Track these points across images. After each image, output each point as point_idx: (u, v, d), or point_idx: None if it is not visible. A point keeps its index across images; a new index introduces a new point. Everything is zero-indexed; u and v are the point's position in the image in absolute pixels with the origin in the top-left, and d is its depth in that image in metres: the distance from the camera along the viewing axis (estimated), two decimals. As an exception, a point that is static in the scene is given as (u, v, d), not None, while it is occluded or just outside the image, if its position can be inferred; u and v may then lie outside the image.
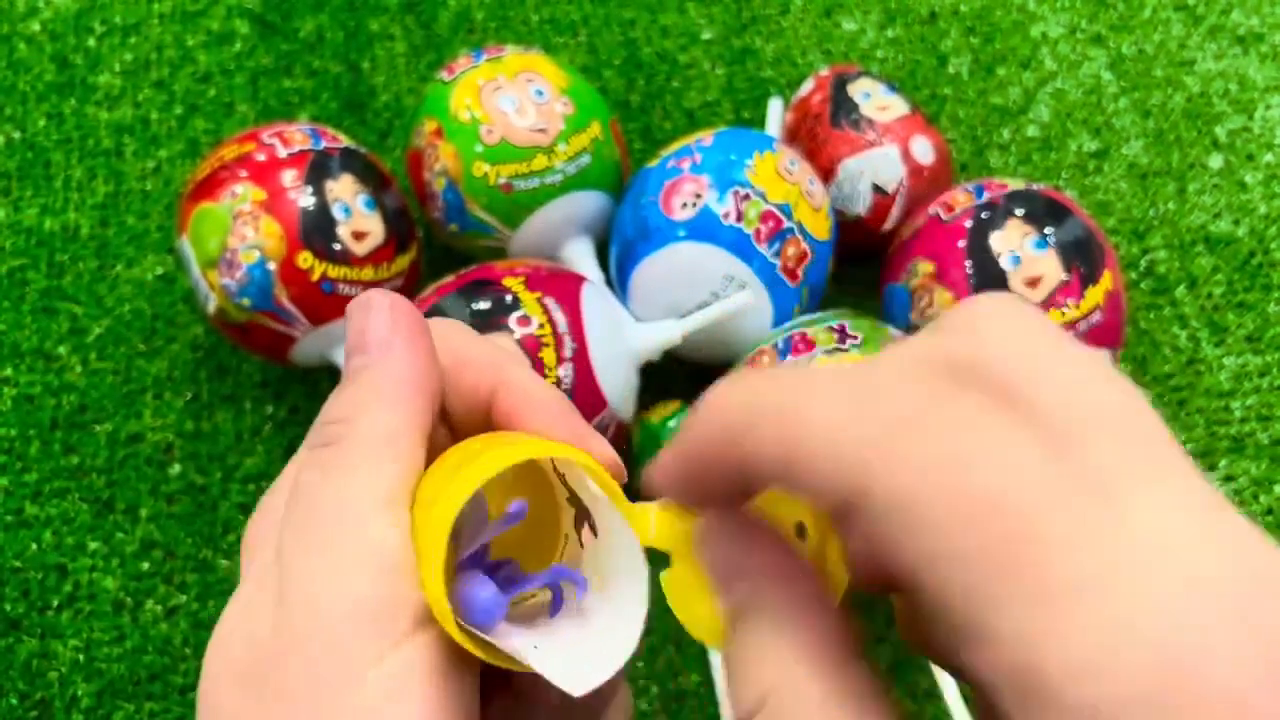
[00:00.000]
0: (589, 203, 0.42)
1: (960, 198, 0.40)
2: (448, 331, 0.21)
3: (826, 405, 0.16)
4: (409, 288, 0.41)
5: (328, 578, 0.17)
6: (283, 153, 0.39)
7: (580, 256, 0.43)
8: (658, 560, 0.19)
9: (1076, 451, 0.14)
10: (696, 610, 0.19)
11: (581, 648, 0.18)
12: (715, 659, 0.39)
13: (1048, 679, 0.13)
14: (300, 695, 0.17)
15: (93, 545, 0.42)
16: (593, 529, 0.19)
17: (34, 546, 0.42)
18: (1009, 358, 0.15)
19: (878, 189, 0.43)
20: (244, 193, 0.38)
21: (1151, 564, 0.13)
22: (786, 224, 0.39)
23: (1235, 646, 0.12)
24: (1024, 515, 0.14)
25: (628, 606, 0.18)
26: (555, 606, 0.19)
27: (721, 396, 0.17)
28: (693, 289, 0.39)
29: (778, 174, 0.39)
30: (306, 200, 0.38)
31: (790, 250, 0.39)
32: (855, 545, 0.16)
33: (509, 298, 0.36)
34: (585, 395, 0.36)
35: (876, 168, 0.43)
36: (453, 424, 0.21)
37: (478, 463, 0.18)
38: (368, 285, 0.39)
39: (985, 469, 0.14)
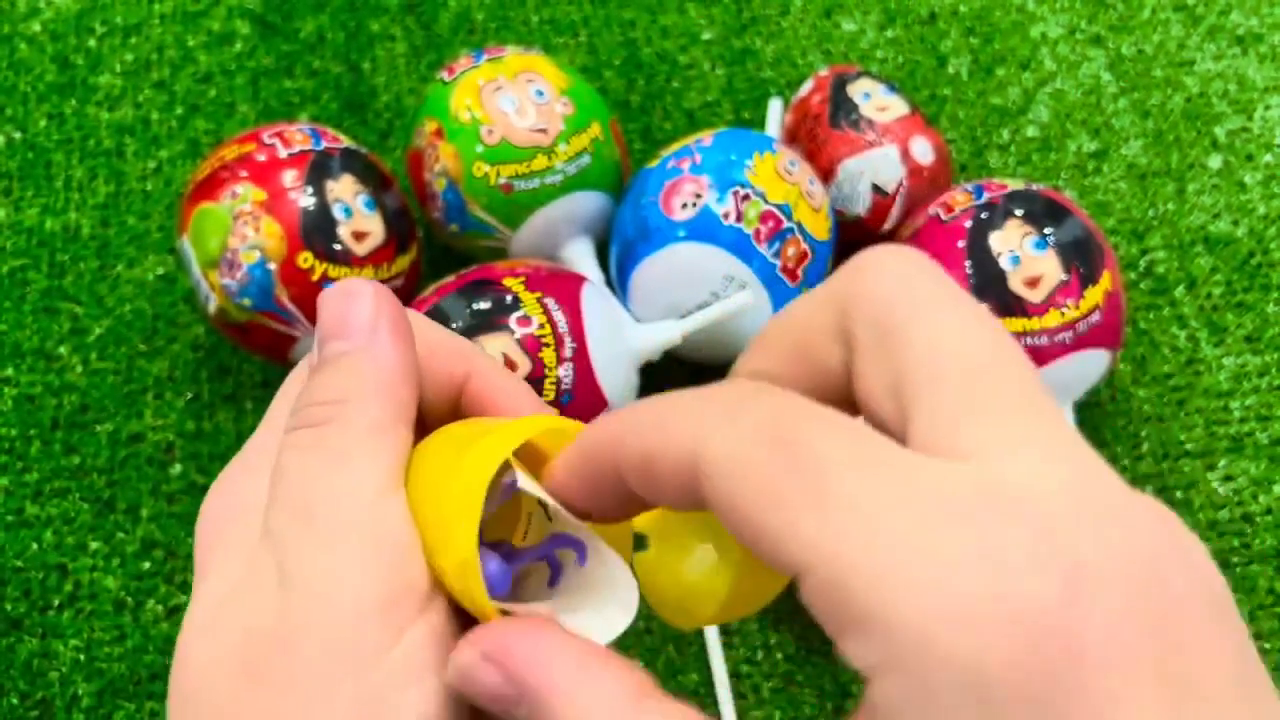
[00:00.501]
0: (589, 203, 0.42)
1: (960, 198, 0.40)
2: (414, 320, 0.21)
3: (676, 411, 0.17)
4: (409, 288, 0.42)
5: (335, 565, 0.18)
6: (283, 153, 0.39)
7: (580, 256, 0.43)
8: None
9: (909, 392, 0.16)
10: (669, 593, 0.19)
11: (592, 605, 0.18)
12: (716, 659, 0.39)
13: (853, 594, 0.14)
14: (313, 682, 0.17)
15: (94, 545, 0.42)
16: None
17: (35, 546, 0.42)
18: (884, 299, 0.17)
19: (877, 189, 0.43)
20: (245, 193, 0.38)
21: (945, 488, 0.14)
22: (786, 224, 0.39)
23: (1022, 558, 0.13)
24: (812, 448, 0.15)
25: (619, 570, 0.19)
26: (554, 577, 0.20)
27: (602, 422, 0.18)
28: (693, 289, 0.39)
29: (778, 174, 0.40)
30: (307, 200, 0.38)
31: (790, 250, 0.39)
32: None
33: (509, 298, 0.37)
34: (585, 395, 0.36)
35: (876, 168, 0.43)
36: (422, 410, 0.21)
37: (494, 437, 0.18)
38: (368, 285, 0.39)
39: (790, 414, 0.16)
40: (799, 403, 0.16)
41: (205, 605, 0.19)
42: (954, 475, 0.14)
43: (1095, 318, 0.38)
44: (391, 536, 0.18)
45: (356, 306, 0.20)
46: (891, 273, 0.17)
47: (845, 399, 0.18)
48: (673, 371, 0.43)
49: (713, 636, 0.39)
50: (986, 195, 0.40)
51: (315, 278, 0.38)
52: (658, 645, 0.40)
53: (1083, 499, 0.14)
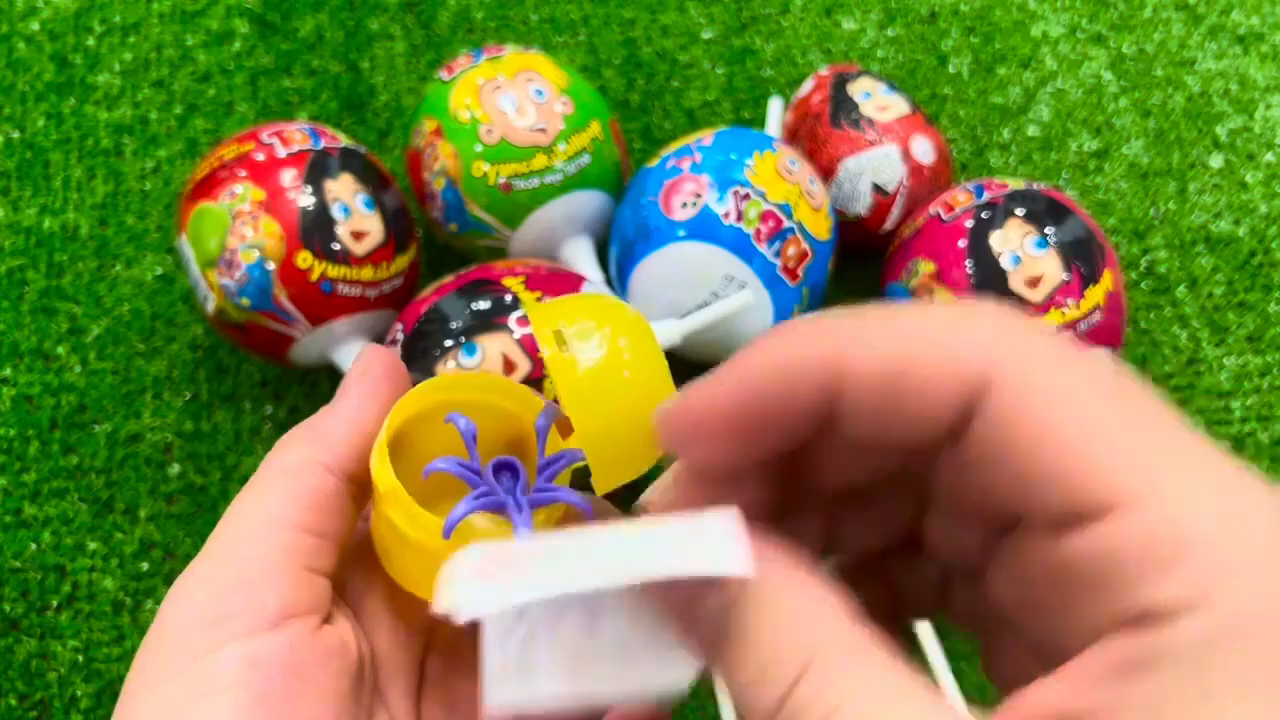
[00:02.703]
0: (589, 202, 0.42)
1: (960, 197, 0.40)
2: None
3: (925, 318, 0.15)
4: (408, 287, 0.41)
5: (189, 578, 0.20)
6: (282, 152, 0.39)
7: (580, 256, 0.43)
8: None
9: None
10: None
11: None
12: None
13: (1180, 526, 0.13)
14: (142, 679, 0.19)
15: (92, 545, 0.42)
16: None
17: (33, 546, 0.42)
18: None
19: (878, 189, 0.43)
20: (243, 192, 0.38)
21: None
22: (787, 224, 0.39)
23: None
24: (1144, 392, 0.14)
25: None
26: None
27: (785, 331, 0.16)
28: (693, 289, 0.39)
29: (778, 174, 0.39)
30: (306, 200, 0.38)
31: (790, 250, 0.39)
32: (951, 480, 0.16)
33: (509, 298, 0.36)
34: (585, 395, 0.36)
35: (877, 167, 0.43)
36: None
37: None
38: (367, 285, 0.39)
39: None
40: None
41: None
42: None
43: (1096, 317, 0.38)
44: (250, 562, 0.20)
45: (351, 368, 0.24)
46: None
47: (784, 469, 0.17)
48: (673, 371, 0.42)
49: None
50: (987, 195, 0.40)
51: (314, 277, 0.38)
52: (657, 646, 0.40)
53: None
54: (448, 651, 0.23)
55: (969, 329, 0.15)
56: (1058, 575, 0.14)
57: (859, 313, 0.16)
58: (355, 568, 0.22)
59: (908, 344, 0.15)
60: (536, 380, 0.35)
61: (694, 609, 0.15)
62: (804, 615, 0.15)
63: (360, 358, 0.23)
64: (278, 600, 0.19)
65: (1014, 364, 0.14)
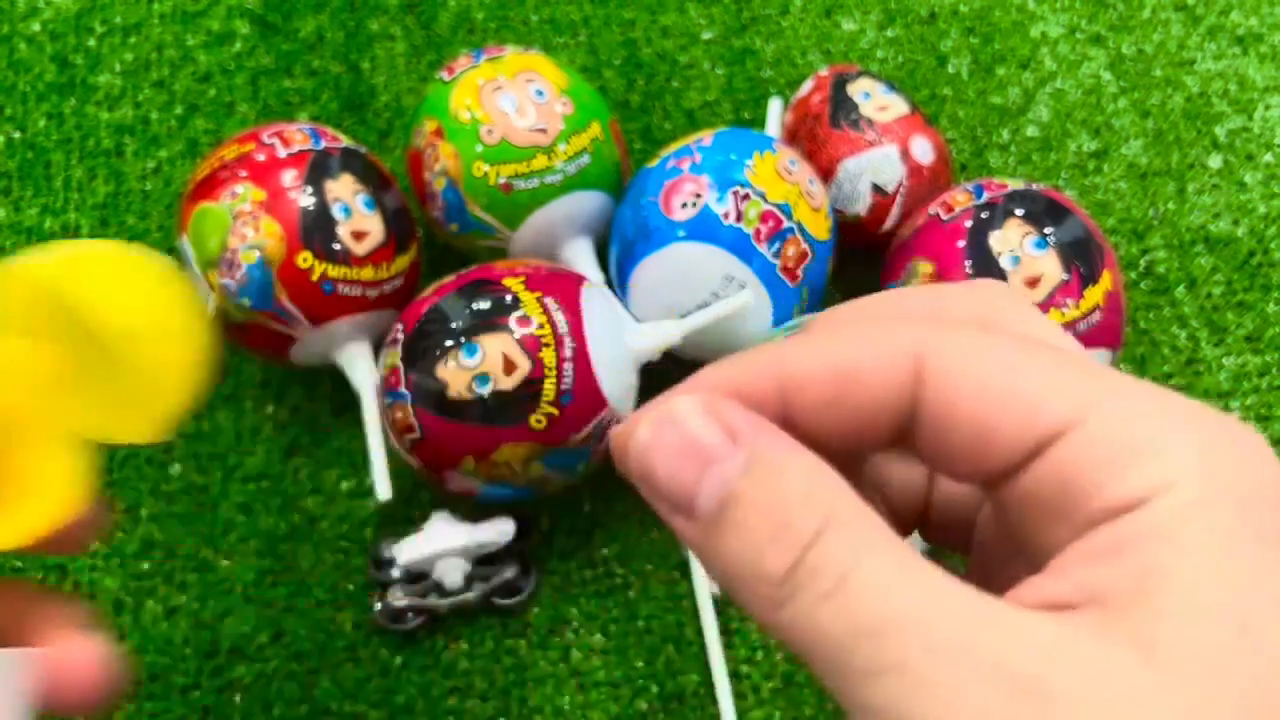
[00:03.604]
0: (589, 203, 0.42)
1: (960, 198, 0.40)
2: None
3: (876, 325, 0.17)
4: (409, 288, 0.42)
5: None
6: (283, 153, 0.39)
7: (580, 256, 0.43)
8: None
9: None
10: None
11: None
12: (716, 659, 0.39)
13: (1135, 427, 0.15)
14: None
15: (93, 545, 0.42)
16: None
17: (34, 546, 0.42)
18: None
19: (877, 189, 0.43)
20: (244, 193, 0.38)
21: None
22: (786, 224, 0.39)
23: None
24: (1045, 323, 0.17)
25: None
26: None
27: (730, 366, 0.17)
28: (693, 289, 0.39)
29: (777, 174, 0.39)
30: (306, 200, 0.38)
31: (790, 250, 0.39)
32: (929, 460, 0.17)
33: (509, 298, 0.36)
34: (585, 395, 0.36)
35: (876, 168, 0.43)
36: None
37: None
38: (368, 285, 0.39)
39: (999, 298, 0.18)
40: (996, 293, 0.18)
41: None
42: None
43: (1095, 317, 0.38)
44: None
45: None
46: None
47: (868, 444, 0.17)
48: (673, 371, 0.42)
49: (712, 636, 0.39)
50: (986, 195, 0.40)
51: (314, 277, 0.38)
52: (657, 645, 0.40)
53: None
54: None
55: (903, 327, 0.16)
56: (1032, 506, 0.15)
57: (784, 344, 0.17)
58: None
59: (847, 352, 0.16)
60: (537, 380, 0.35)
61: (693, 483, 0.16)
62: (818, 482, 0.15)
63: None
64: None
65: (938, 343, 0.16)
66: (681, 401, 0.16)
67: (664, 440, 0.16)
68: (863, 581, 0.14)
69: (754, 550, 0.15)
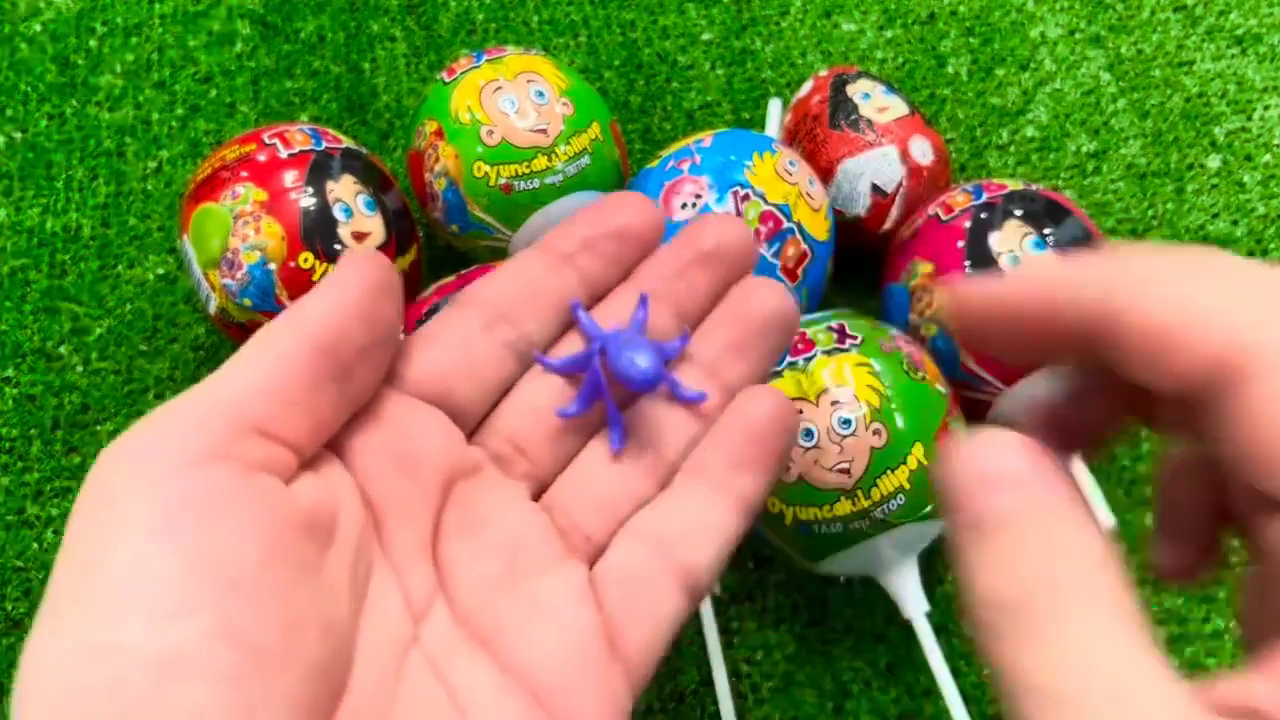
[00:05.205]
0: (589, 204, 0.42)
1: (959, 198, 0.40)
2: None
3: (1080, 269, 0.17)
4: (409, 288, 0.42)
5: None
6: (284, 153, 0.39)
7: (580, 257, 0.43)
8: None
9: None
10: None
11: None
12: (716, 659, 0.39)
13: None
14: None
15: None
16: None
17: (35, 546, 0.42)
18: None
19: (877, 189, 0.43)
20: (245, 193, 0.38)
21: None
22: (786, 224, 0.39)
23: None
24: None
25: None
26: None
27: (1074, 260, 0.18)
28: (692, 289, 0.39)
29: (777, 175, 0.40)
30: (307, 201, 0.38)
31: (790, 251, 0.39)
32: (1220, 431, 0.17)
33: (509, 298, 0.37)
34: (585, 395, 0.36)
35: (876, 168, 0.43)
36: None
37: None
38: (369, 285, 0.39)
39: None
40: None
41: None
42: None
43: (1094, 318, 0.38)
44: (191, 419, 0.21)
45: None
46: None
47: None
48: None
49: (712, 637, 0.39)
50: (986, 195, 0.40)
51: (316, 278, 0.38)
52: (657, 645, 0.40)
53: None
54: (467, 500, 0.24)
55: (1088, 273, 0.17)
56: None
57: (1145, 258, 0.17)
58: (357, 431, 0.23)
59: (1175, 310, 0.16)
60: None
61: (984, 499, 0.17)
62: (1062, 546, 0.16)
63: (345, 257, 0.23)
64: (206, 447, 0.19)
65: (1130, 278, 0.16)
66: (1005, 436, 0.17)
67: (980, 454, 0.17)
68: (1066, 644, 0.15)
69: (985, 577, 0.16)
